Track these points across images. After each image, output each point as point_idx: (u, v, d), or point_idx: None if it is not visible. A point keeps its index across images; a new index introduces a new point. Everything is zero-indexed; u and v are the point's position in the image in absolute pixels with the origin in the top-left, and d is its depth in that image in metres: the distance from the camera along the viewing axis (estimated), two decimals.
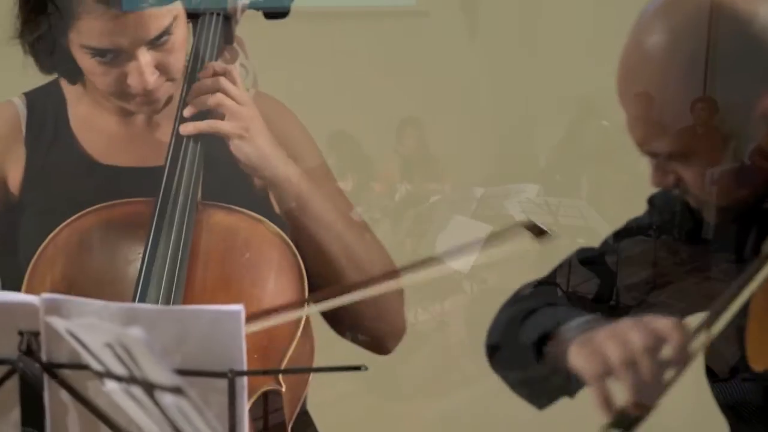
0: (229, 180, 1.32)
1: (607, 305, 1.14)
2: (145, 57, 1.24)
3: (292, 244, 1.27)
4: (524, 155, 6.32)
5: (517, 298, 1.20)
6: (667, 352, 0.86)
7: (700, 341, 0.87)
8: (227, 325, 0.89)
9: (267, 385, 1.19)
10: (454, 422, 3.48)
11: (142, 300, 1.18)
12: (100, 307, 0.88)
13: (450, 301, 4.97)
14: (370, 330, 1.41)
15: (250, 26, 5.53)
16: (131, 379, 0.80)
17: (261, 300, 1.24)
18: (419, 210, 4.07)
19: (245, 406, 0.91)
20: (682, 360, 0.87)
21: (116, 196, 1.28)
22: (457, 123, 6.16)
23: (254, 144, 1.26)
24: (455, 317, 4.29)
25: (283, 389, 1.21)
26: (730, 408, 1.04)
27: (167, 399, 0.77)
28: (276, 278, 1.27)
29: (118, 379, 0.82)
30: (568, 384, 0.97)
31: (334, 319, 1.38)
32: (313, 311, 1.27)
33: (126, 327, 0.76)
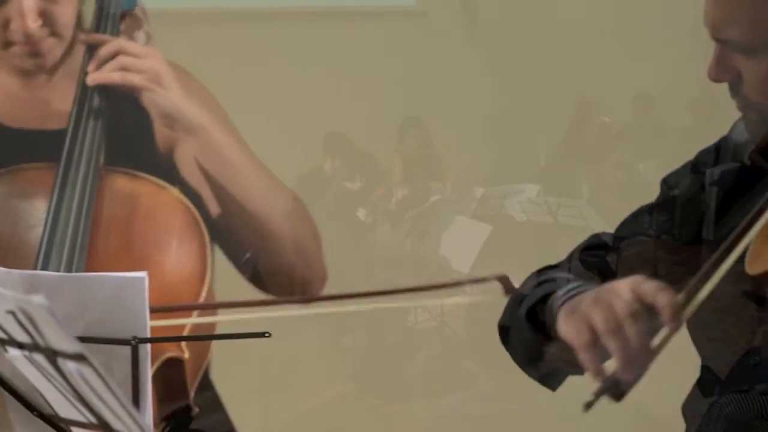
0: (133, 145, 1.31)
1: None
2: (29, 1, 1.23)
3: (195, 210, 1.27)
4: (524, 155, 6.32)
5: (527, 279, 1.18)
6: (654, 316, 0.85)
7: (690, 307, 0.87)
8: (131, 291, 0.89)
9: (169, 351, 1.17)
10: (454, 422, 3.48)
11: (44, 266, 1.18)
12: (2, 274, 0.88)
13: (450, 301, 4.96)
14: (293, 278, 1.39)
15: (250, 27, 5.51)
16: (34, 347, 0.79)
17: (164, 266, 1.23)
18: (420, 210, 4.07)
19: (149, 372, 0.91)
20: (670, 324, 0.85)
21: (19, 160, 1.27)
22: (457, 123, 6.16)
23: (166, 94, 1.25)
24: (455, 317, 4.29)
25: (186, 356, 1.20)
26: (740, 423, 1.02)
27: (70, 366, 0.76)
28: (179, 245, 1.25)
29: (20, 346, 0.81)
30: (571, 358, 0.94)
31: (255, 277, 1.37)
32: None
33: (28, 294, 0.75)
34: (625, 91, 6.20)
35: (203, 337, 1.26)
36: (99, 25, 1.35)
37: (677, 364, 1.29)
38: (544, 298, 1.03)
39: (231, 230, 1.33)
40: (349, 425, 3.38)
